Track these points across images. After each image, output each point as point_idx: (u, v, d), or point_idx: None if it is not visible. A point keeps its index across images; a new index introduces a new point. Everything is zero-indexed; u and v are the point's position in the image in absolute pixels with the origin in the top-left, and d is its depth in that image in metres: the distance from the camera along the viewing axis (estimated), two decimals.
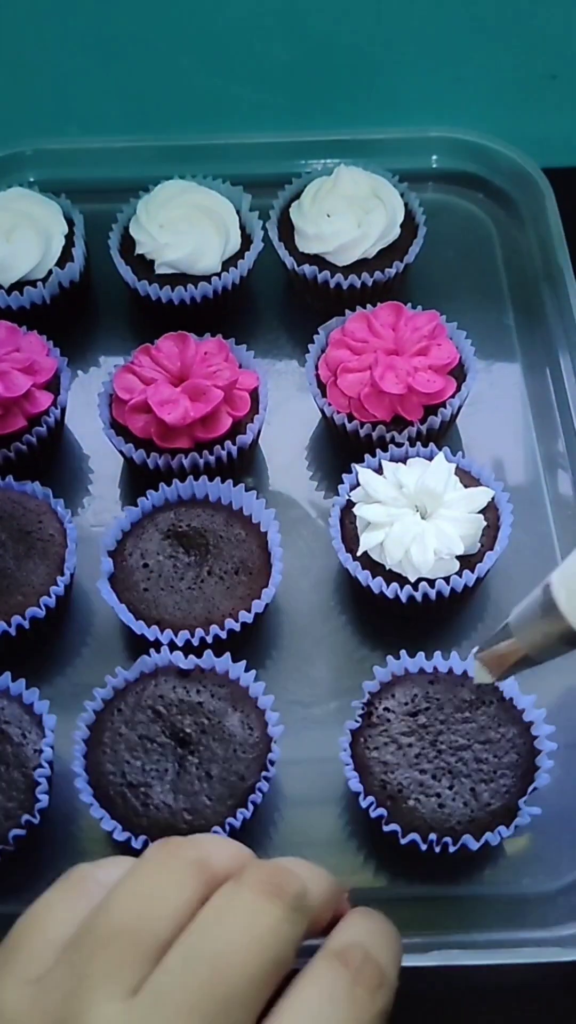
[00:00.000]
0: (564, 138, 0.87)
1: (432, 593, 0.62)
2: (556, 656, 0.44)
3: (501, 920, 0.57)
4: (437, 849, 0.54)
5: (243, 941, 0.29)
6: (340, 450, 0.73)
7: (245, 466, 0.73)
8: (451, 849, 0.54)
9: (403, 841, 0.54)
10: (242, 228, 0.78)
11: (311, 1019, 0.28)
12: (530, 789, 0.55)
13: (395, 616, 0.65)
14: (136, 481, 0.72)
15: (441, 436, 0.71)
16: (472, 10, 0.79)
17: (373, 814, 0.55)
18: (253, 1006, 0.28)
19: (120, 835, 0.55)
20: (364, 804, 0.55)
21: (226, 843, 0.34)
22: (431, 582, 0.61)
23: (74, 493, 0.73)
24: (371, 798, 0.55)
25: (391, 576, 0.62)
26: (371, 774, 0.56)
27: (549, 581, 0.42)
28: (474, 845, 0.53)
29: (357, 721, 0.58)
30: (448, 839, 0.54)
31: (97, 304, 0.82)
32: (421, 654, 0.60)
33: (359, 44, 0.81)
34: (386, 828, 0.55)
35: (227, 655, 0.60)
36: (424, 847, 0.54)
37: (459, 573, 0.62)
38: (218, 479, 0.67)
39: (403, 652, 0.60)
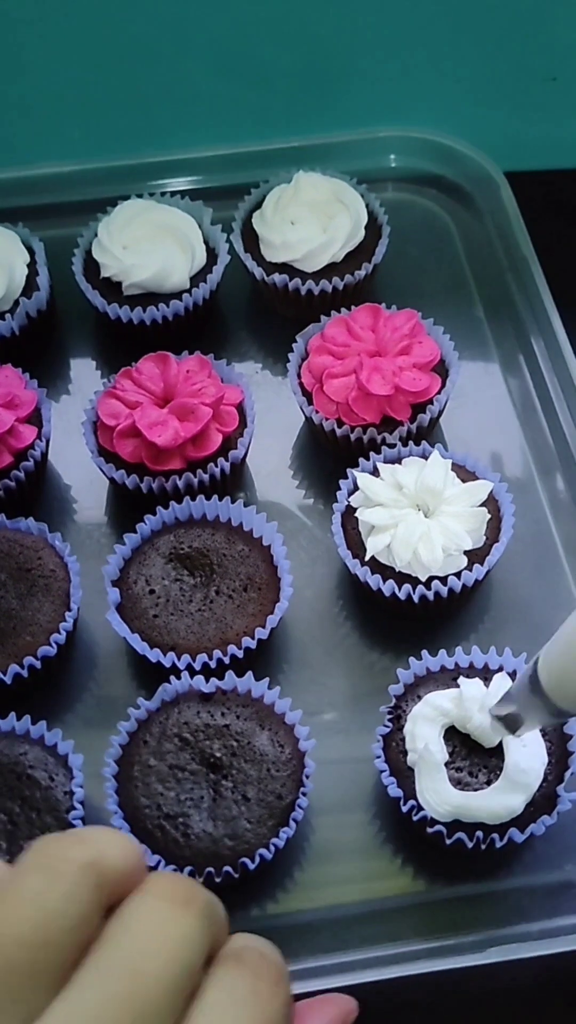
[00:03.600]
0: (527, 141, 0.87)
1: (444, 590, 0.61)
2: (554, 725, 0.47)
3: (547, 909, 0.57)
4: (483, 846, 0.54)
5: (159, 950, 0.27)
6: (327, 456, 0.72)
7: (236, 481, 0.72)
8: (498, 844, 0.53)
9: (449, 841, 0.54)
10: (205, 243, 0.77)
11: (220, 1019, 0.27)
12: (567, 775, 0.55)
13: (402, 617, 0.65)
14: (126, 506, 0.71)
15: (428, 434, 0.71)
16: (427, 12, 0.79)
17: (416, 817, 0.54)
18: (171, 1018, 0.27)
19: (164, 870, 0.53)
20: (405, 809, 0.55)
21: (114, 835, 0.30)
22: (443, 579, 0.61)
23: (64, 525, 0.71)
24: (412, 802, 0.54)
25: (401, 577, 0.62)
26: (409, 778, 0.55)
27: (538, 657, 0.44)
28: (520, 837, 0.53)
29: (387, 726, 0.57)
30: (495, 834, 0.53)
31: (67, 331, 0.80)
32: (443, 652, 0.59)
33: (311, 52, 0.80)
34: (431, 830, 0.54)
35: (249, 674, 0.59)
36: (471, 844, 0.53)
37: (468, 568, 0.62)
38: (215, 497, 0.66)
39: (424, 652, 0.59)
